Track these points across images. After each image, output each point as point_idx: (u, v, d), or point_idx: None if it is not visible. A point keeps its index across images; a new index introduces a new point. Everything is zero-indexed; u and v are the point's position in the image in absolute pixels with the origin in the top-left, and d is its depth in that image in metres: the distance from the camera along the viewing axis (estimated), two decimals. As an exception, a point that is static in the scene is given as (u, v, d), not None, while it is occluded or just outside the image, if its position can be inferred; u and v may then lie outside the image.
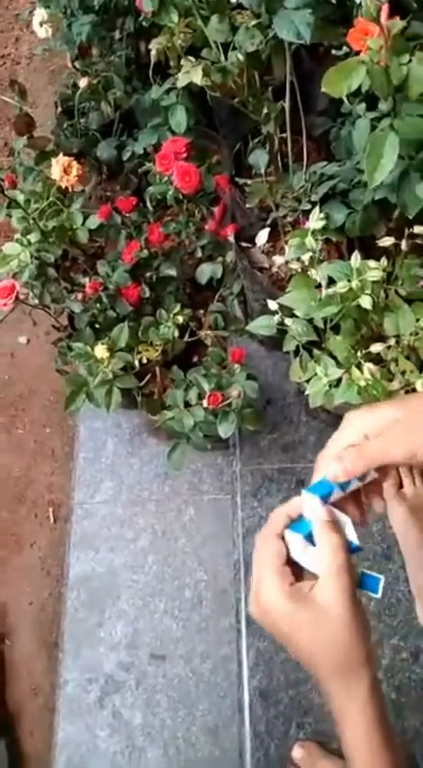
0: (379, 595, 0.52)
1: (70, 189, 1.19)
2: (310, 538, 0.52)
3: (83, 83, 1.42)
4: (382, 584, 0.53)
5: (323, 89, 0.75)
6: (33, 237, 1.19)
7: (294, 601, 0.49)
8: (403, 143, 0.76)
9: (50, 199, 1.20)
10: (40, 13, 1.59)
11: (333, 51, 1.06)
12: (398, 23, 0.75)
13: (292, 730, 1.15)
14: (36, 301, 1.28)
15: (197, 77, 1.03)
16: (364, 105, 0.86)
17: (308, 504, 0.53)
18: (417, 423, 0.51)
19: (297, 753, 1.12)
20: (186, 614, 1.32)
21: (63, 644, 1.35)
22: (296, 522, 0.53)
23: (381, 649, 1.15)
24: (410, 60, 0.73)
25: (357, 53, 0.83)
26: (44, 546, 1.52)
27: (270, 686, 1.19)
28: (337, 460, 0.52)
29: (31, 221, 1.19)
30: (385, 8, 0.82)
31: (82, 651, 1.33)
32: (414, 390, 0.92)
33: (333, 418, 1.30)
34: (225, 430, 1.07)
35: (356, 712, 0.50)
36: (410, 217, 0.86)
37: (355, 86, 0.73)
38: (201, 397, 1.10)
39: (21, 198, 1.19)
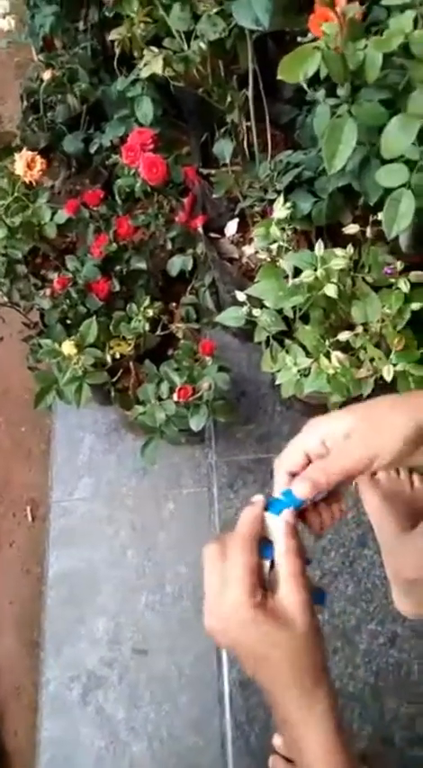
0: (325, 607, 0.55)
1: (35, 184, 1.18)
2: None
3: (47, 75, 1.41)
4: (327, 599, 0.54)
5: (279, 76, 0.75)
6: (-1, 234, 1.18)
7: (261, 613, 0.50)
8: (362, 129, 0.76)
9: (16, 194, 1.19)
10: (3, 5, 1.57)
11: (298, 39, 1.05)
12: (353, 7, 0.74)
13: (272, 719, 1.15)
14: (5, 299, 1.27)
15: (158, 68, 1.02)
16: (323, 92, 0.85)
17: (269, 523, 0.54)
18: (370, 432, 0.53)
19: (278, 740, 1.13)
20: (167, 608, 1.32)
21: (45, 642, 1.34)
22: (262, 545, 0.54)
23: (358, 635, 1.16)
24: (366, 46, 0.72)
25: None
26: (23, 545, 1.51)
27: (249, 677, 1.19)
28: (301, 480, 0.54)
29: (-3, 218, 1.17)
30: (341, -7, 0.82)
31: (64, 649, 1.32)
32: (382, 378, 0.93)
33: (307, 408, 1.30)
34: (197, 423, 1.07)
35: (319, 718, 0.51)
36: (372, 204, 0.86)
37: (311, 72, 0.73)
38: (172, 390, 1.09)
39: (-15, 194, 1.18)
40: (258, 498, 0.56)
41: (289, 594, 0.51)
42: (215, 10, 1.10)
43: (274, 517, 0.54)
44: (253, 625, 0.50)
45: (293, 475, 0.55)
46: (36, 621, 1.40)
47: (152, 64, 1.03)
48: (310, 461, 0.55)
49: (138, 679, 1.27)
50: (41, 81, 1.44)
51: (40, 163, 1.13)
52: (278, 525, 0.53)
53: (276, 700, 0.53)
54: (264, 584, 0.52)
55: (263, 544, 0.53)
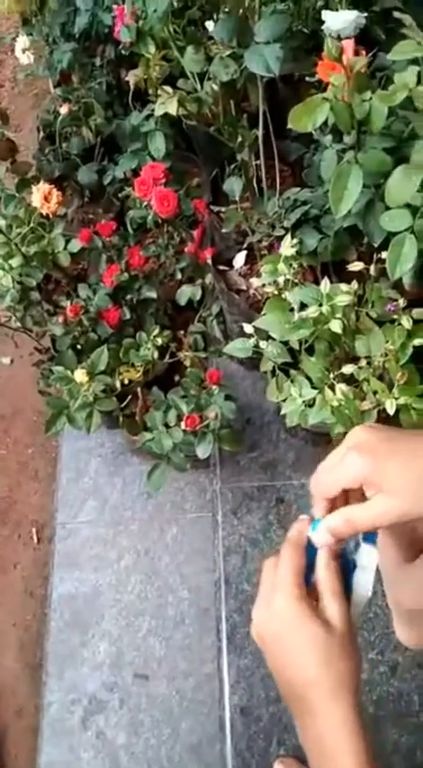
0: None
1: (51, 215, 1.22)
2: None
3: (64, 110, 1.45)
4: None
5: (289, 125, 0.78)
6: (15, 262, 1.21)
7: (306, 607, 0.53)
8: (368, 174, 0.79)
9: (32, 225, 1.23)
10: (23, 41, 1.62)
11: (307, 78, 1.10)
12: (360, 60, 0.78)
13: (272, 746, 1.16)
14: (18, 324, 1.30)
15: (173, 108, 1.06)
16: (331, 137, 0.89)
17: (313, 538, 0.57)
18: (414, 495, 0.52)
19: (279, 767, 1.13)
20: (169, 633, 1.33)
21: (47, 665, 1.35)
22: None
23: (359, 665, 1.17)
24: (371, 98, 0.76)
25: (328, 84, 0.87)
26: (27, 567, 1.53)
27: (251, 703, 1.20)
28: (324, 529, 0.55)
29: (14, 246, 1.21)
30: (349, 45, 0.86)
31: (66, 672, 1.33)
32: (384, 410, 0.95)
33: (311, 436, 1.32)
34: (203, 450, 1.09)
35: (344, 716, 0.53)
36: (376, 245, 0.89)
37: (319, 122, 0.76)
38: (180, 418, 1.12)
39: (2, 223, 1.22)
40: (304, 517, 0.59)
41: (330, 604, 0.54)
42: (227, 53, 1.14)
43: (315, 534, 0.57)
44: (296, 617, 0.53)
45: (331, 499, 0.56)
46: (39, 644, 1.41)
47: (167, 104, 1.07)
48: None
49: (139, 704, 1.28)
50: (58, 114, 1.49)
51: (56, 196, 1.17)
52: (319, 541, 0.56)
53: (303, 701, 0.54)
54: (309, 586, 0.56)
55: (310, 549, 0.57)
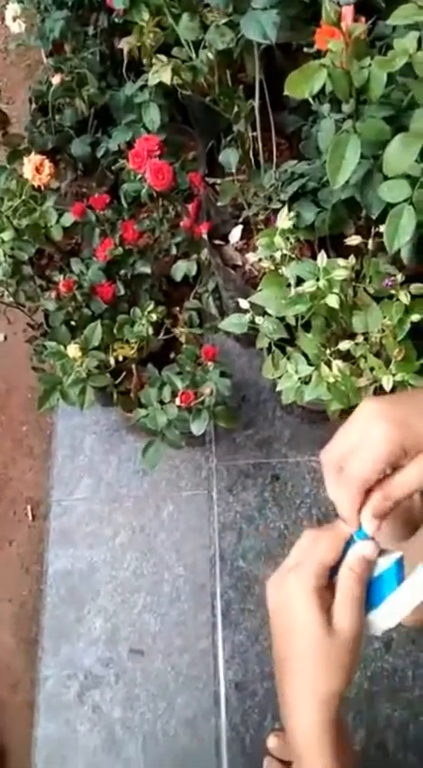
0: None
1: (43, 187, 1.19)
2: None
3: (56, 80, 1.42)
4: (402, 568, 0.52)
5: (286, 91, 0.76)
6: (7, 236, 1.19)
7: (315, 599, 0.50)
8: (366, 144, 0.77)
9: (24, 197, 1.20)
10: (13, 8, 1.57)
11: (305, 49, 1.07)
12: (359, 27, 0.76)
13: (267, 721, 1.17)
14: (11, 299, 1.28)
15: (167, 77, 1.03)
16: (328, 106, 0.87)
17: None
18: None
19: (272, 742, 1.14)
20: (165, 609, 1.33)
21: (42, 640, 1.36)
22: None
23: (354, 640, 1.18)
24: (370, 64, 0.74)
25: (326, 52, 0.84)
26: (23, 543, 1.53)
27: (246, 678, 1.21)
28: (367, 516, 0.49)
29: (5, 219, 1.19)
30: (348, 11, 0.83)
31: (61, 647, 1.34)
32: (381, 387, 0.94)
33: (307, 413, 1.32)
34: (198, 427, 1.08)
35: (311, 726, 0.51)
36: (373, 217, 0.87)
37: (316, 89, 0.74)
38: (174, 394, 1.11)
39: (-7, 196, 1.19)
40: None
41: (340, 608, 0.51)
42: (223, 21, 1.11)
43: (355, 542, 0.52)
44: (299, 604, 0.50)
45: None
46: (35, 619, 1.42)
47: (161, 73, 1.04)
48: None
49: (134, 679, 1.29)
50: (50, 85, 1.46)
51: (48, 167, 1.14)
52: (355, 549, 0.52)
53: (279, 687, 0.54)
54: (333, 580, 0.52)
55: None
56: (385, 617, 0.52)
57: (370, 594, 0.52)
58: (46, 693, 1.31)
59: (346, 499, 0.49)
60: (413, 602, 0.52)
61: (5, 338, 1.73)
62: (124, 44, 1.14)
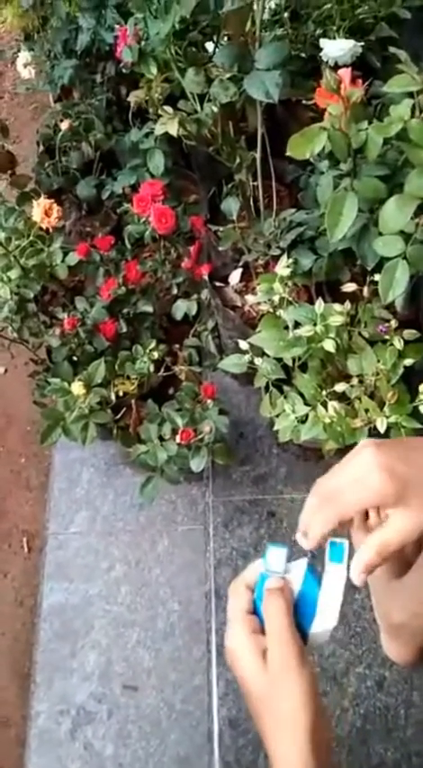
0: (344, 564, 0.54)
1: (51, 229, 1.24)
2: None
3: (64, 125, 1.47)
4: (346, 551, 0.54)
5: (288, 152, 0.81)
6: (14, 274, 1.23)
7: (253, 653, 0.54)
8: (362, 201, 0.82)
9: (31, 238, 1.25)
10: (24, 56, 1.65)
11: (304, 101, 1.13)
12: (357, 92, 0.81)
13: (260, 759, 1.16)
14: (15, 335, 1.31)
15: (173, 129, 1.08)
16: (327, 162, 0.92)
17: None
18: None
19: None
20: (159, 644, 1.33)
21: (35, 675, 1.35)
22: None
23: (346, 678, 1.18)
24: (368, 128, 0.79)
25: (325, 109, 0.90)
26: (18, 576, 1.53)
27: (239, 715, 1.21)
28: (356, 565, 0.52)
29: (12, 259, 1.23)
30: (346, 75, 0.89)
31: (54, 682, 1.33)
32: (375, 428, 0.97)
33: (303, 451, 1.34)
34: (197, 464, 1.11)
35: (286, 754, 0.53)
36: (369, 269, 0.92)
37: (317, 150, 0.79)
38: (175, 431, 1.13)
39: (2, 236, 1.23)
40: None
41: (268, 643, 0.54)
42: (227, 75, 1.17)
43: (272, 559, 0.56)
44: (236, 650, 0.55)
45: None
46: (28, 653, 1.41)
47: (168, 125, 1.09)
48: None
49: (127, 715, 1.29)
50: (59, 129, 1.51)
51: (56, 210, 1.19)
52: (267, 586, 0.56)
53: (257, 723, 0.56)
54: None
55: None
56: (325, 620, 0.54)
57: (302, 611, 0.55)
58: (38, 729, 1.30)
59: (321, 523, 0.52)
60: (339, 592, 0.54)
61: (6, 371, 1.76)
62: (132, 97, 1.20)
